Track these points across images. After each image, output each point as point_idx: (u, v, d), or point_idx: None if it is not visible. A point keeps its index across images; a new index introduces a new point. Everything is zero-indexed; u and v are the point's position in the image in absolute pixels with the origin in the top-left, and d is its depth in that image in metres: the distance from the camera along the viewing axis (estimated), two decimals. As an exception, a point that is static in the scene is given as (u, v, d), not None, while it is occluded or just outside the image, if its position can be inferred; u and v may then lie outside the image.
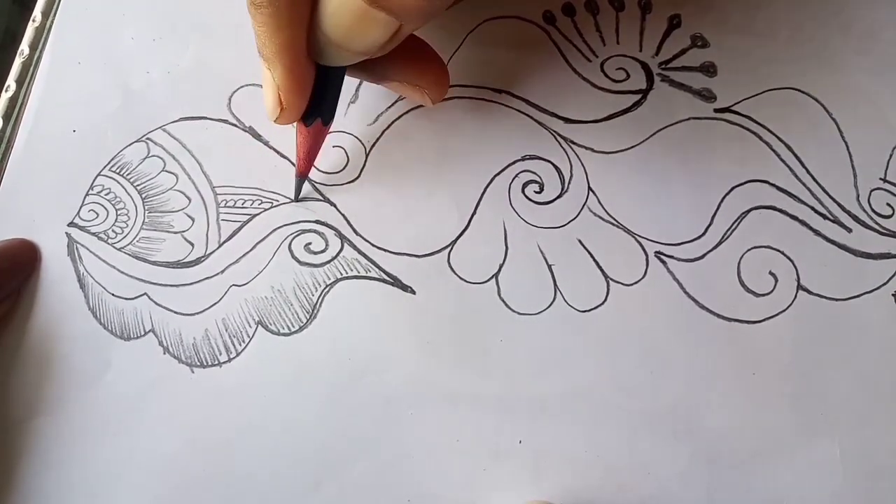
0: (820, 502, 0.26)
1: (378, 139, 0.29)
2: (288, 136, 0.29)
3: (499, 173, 0.29)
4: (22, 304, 0.27)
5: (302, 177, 0.28)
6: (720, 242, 0.28)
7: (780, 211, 0.28)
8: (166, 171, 0.29)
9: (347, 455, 0.26)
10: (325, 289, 0.27)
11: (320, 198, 0.28)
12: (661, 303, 0.27)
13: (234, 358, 0.27)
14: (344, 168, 0.29)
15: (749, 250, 0.28)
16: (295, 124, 0.26)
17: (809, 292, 0.27)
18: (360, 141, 0.29)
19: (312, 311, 0.27)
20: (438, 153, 0.29)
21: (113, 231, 0.28)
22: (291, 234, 0.28)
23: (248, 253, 0.28)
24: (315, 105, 0.25)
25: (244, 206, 0.28)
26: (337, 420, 0.26)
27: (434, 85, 0.27)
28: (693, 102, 0.29)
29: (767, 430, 0.26)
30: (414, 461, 0.26)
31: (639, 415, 0.26)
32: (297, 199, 0.28)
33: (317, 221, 0.28)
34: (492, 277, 0.28)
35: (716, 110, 0.29)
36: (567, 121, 0.29)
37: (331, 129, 0.27)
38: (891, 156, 0.29)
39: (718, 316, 0.27)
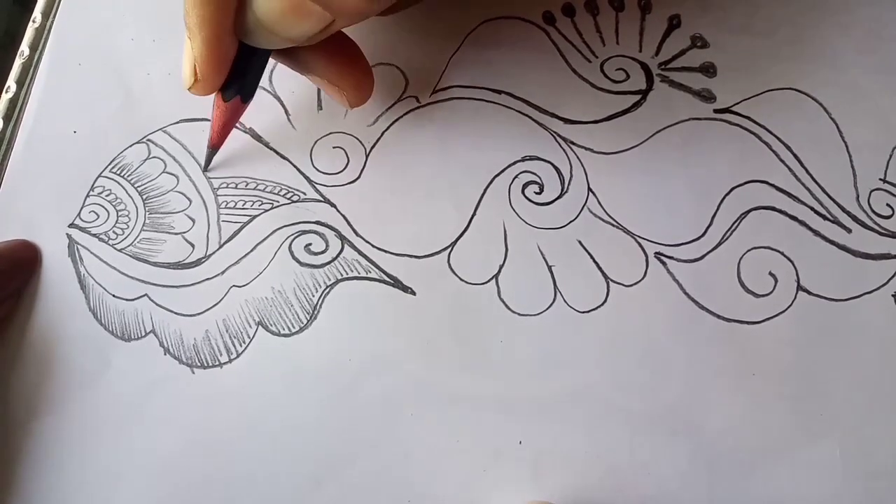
0: (820, 502, 0.26)
1: (378, 140, 0.29)
2: (289, 138, 0.29)
3: (499, 174, 0.29)
4: (22, 304, 0.28)
5: (213, 149, 0.28)
6: (720, 243, 0.28)
7: (780, 211, 0.28)
8: (167, 172, 0.29)
9: (347, 455, 0.26)
10: (325, 289, 0.28)
11: (320, 198, 0.29)
12: (661, 303, 0.27)
13: (234, 359, 0.27)
14: (344, 168, 0.29)
15: (749, 251, 0.28)
16: (213, 97, 0.26)
17: (809, 293, 0.27)
18: (360, 141, 0.29)
19: (313, 311, 0.27)
20: (438, 153, 0.29)
21: (114, 232, 0.28)
22: (292, 234, 0.28)
23: (248, 254, 0.28)
24: (235, 81, 0.25)
25: (244, 207, 0.28)
26: (337, 420, 0.26)
27: (354, 88, 0.27)
28: (693, 103, 0.29)
29: (767, 430, 0.26)
30: (414, 461, 0.26)
31: (639, 415, 0.26)
32: (205, 170, 0.29)
33: (317, 222, 0.28)
34: (492, 278, 0.28)
35: (716, 111, 0.29)
36: (567, 121, 0.29)
37: (248, 107, 0.27)
38: (891, 156, 0.29)
39: (718, 316, 0.27)
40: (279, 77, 0.30)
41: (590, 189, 0.29)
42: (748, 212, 0.28)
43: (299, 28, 0.22)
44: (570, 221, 0.28)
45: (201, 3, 0.22)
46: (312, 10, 0.21)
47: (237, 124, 0.29)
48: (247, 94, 0.26)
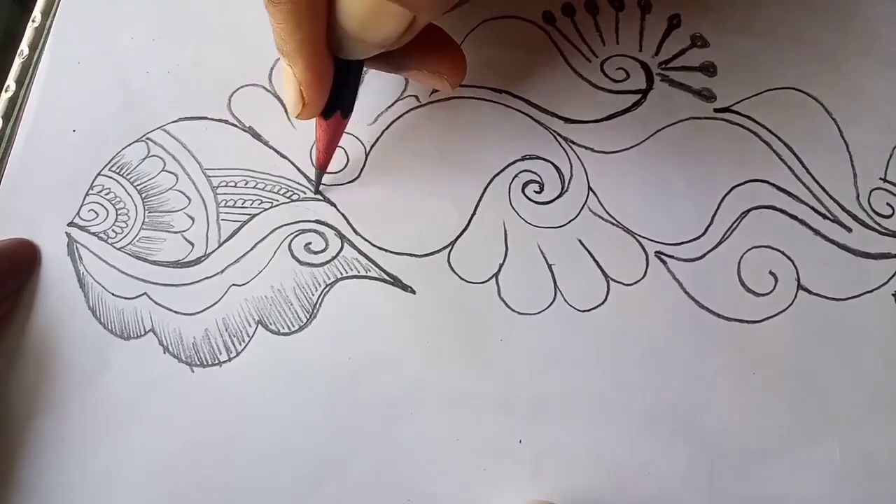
0: (820, 502, 0.26)
1: (378, 139, 0.29)
2: (288, 137, 0.29)
3: (499, 173, 0.29)
4: (22, 303, 0.27)
5: (322, 169, 0.28)
6: (720, 242, 0.28)
7: (780, 211, 0.28)
8: (166, 170, 0.29)
9: (347, 455, 0.26)
10: (325, 288, 0.27)
11: (320, 197, 0.28)
12: (661, 303, 0.27)
13: (234, 357, 0.27)
14: (344, 168, 0.29)
15: (749, 250, 0.28)
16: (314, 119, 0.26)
17: (809, 292, 0.27)
18: (360, 141, 0.29)
19: (312, 310, 0.27)
20: (438, 153, 0.29)
21: (113, 231, 0.28)
22: (291, 233, 0.28)
23: (248, 253, 0.28)
24: (334, 98, 0.24)
25: (244, 205, 0.28)
26: (337, 420, 0.26)
27: (453, 70, 0.26)
28: (693, 102, 0.29)
29: (767, 430, 0.26)
30: (414, 461, 0.26)
31: (639, 415, 0.26)
32: (316, 191, 0.29)
33: (317, 221, 0.28)
34: (492, 277, 0.28)
35: (716, 110, 0.29)
36: (567, 120, 0.29)
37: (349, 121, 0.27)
38: (891, 156, 0.29)
39: (718, 316, 0.27)
40: (279, 76, 0.30)
41: (590, 188, 0.28)
42: (748, 211, 0.28)
43: (385, 30, 0.22)
44: (571, 220, 0.28)
45: (296, 28, 0.21)
46: (392, 9, 0.21)
47: (230, 113, 0.29)
48: (347, 109, 0.26)
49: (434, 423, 0.26)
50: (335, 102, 0.25)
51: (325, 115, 0.25)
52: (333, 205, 0.28)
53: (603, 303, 0.27)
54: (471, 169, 0.29)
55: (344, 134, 0.29)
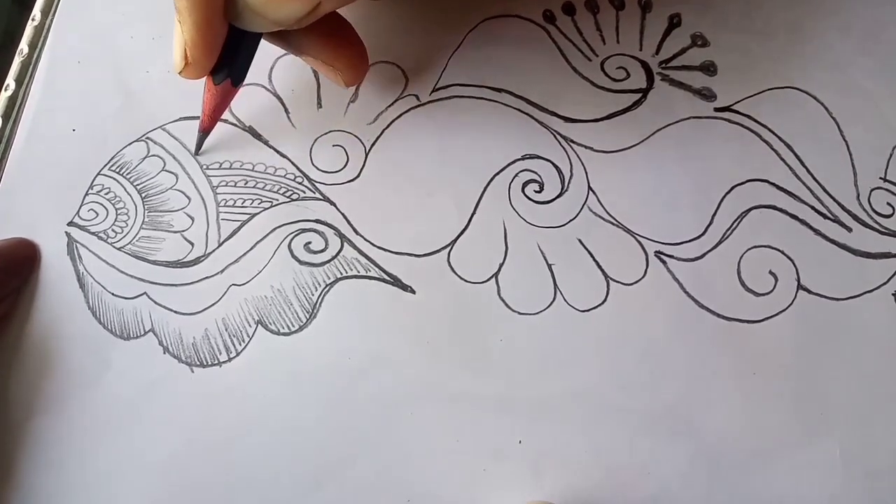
0: (820, 502, 0.26)
1: (378, 139, 0.29)
2: (288, 136, 0.29)
3: (499, 173, 0.29)
4: (21, 303, 0.27)
5: (204, 132, 0.28)
6: (720, 242, 0.28)
7: (781, 210, 0.28)
8: (166, 170, 0.29)
9: (347, 455, 0.26)
10: (324, 288, 0.27)
11: (320, 197, 0.28)
12: (661, 303, 0.27)
13: (234, 357, 0.27)
14: (344, 168, 0.29)
15: (749, 250, 0.28)
16: (203, 80, 0.26)
17: (809, 292, 0.27)
18: (360, 141, 0.29)
19: (312, 310, 0.27)
20: (438, 153, 0.29)
21: (113, 230, 0.28)
22: (291, 233, 0.28)
23: (247, 252, 0.28)
24: (226, 64, 0.25)
25: (244, 205, 0.28)
26: (337, 420, 0.26)
27: (349, 68, 0.27)
28: (693, 101, 0.29)
29: (767, 430, 0.26)
30: (414, 461, 0.26)
31: (639, 415, 0.26)
32: (196, 153, 0.29)
33: (317, 221, 0.28)
34: (492, 277, 0.28)
35: (716, 109, 0.29)
36: (567, 120, 0.29)
37: (240, 89, 0.27)
38: (891, 155, 0.29)
39: (718, 316, 0.27)
40: (279, 75, 0.30)
41: (590, 188, 0.28)
42: (748, 210, 0.28)
43: (286, 10, 0.22)
44: (570, 220, 0.28)
45: None
46: None
47: (230, 112, 0.29)
48: (237, 78, 0.26)
49: (434, 423, 0.26)
50: (226, 68, 0.25)
51: (215, 80, 0.25)
52: (333, 204, 0.28)
53: (603, 303, 0.27)
54: (471, 169, 0.29)
55: (344, 132, 0.29)
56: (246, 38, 0.25)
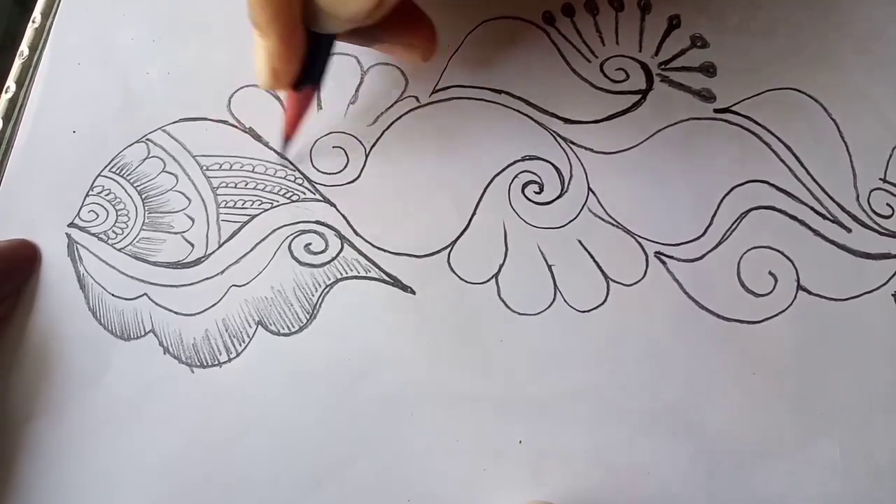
0: (820, 502, 0.26)
1: (378, 139, 0.29)
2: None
3: (499, 173, 0.29)
4: (22, 304, 0.28)
5: (288, 140, 0.28)
6: (720, 242, 0.28)
7: (780, 211, 0.28)
8: (166, 171, 0.29)
9: (347, 455, 0.26)
10: (325, 289, 0.27)
11: (320, 198, 0.28)
12: (661, 303, 0.27)
13: (234, 358, 0.27)
14: (344, 168, 0.29)
15: (749, 250, 0.28)
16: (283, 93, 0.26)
17: (809, 292, 0.27)
18: (360, 141, 0.29)
19: (312, 311, 0.27)
20: (438, 154, 0.29)
21: (113, 231, 0.28)
22: (291, 234, 0.28)
23: (248, 253, 0.28)
24: (306, 71, 0.25)
25: (244, 206, 0.28)
26: (337, 420, 0.26)
27: (426, 42, 0.27)
28: (693, 103, 0.29)
29: (767, 430, 0.26)
30: (414, 461, 0.26)
31: (639, 415, 0.26)
32: (282, 157, 0.29)
33: (317, 222, 0.28)
34: (492, 277, 0.28)
35: (715, 110, 0.29)
36: (567, 121, 0.29)
37: (319, 99, 0.27)
38: (891, 156, 0.29)
39: (718, 316, 0.27)
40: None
41: (590, 189, 0.28)
42: (748, 211, 0.28)
43: (355, 7, 0.22)
44: (570, 221, 0.28)
45: (269, 1, 0.22)
46: None
47: (230, 113, 0.30)
48: (317, 81, 0.26)
49: (434, 423, 0.26)
50: (306, 75, 0.25)
51: (296, 88, 0.25)
52: (333, 205, 0.28)
53: (603, 303, 0.27)
54: (471, 170, 0.29)
55: (344, 134, 0.29)
56: (322, 41, 0.25)
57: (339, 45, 0.26)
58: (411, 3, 0.27)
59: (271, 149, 0.29)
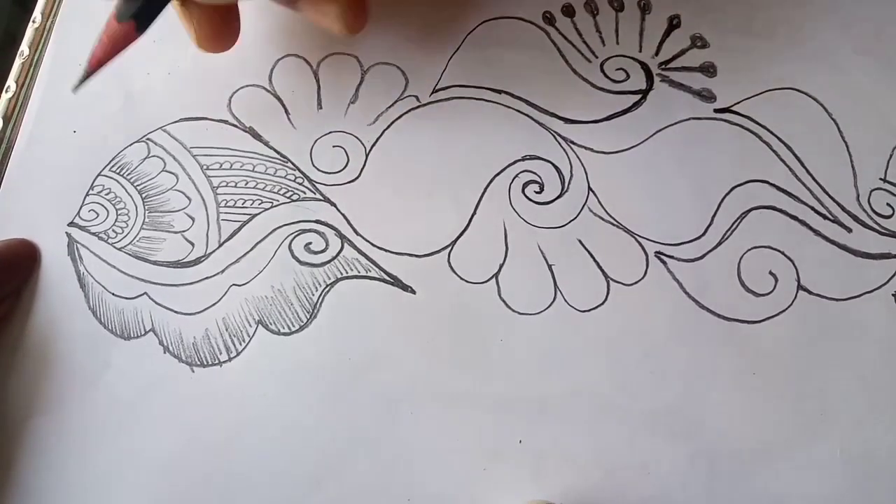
0: (820, 502, 0.26)
1: (378, 139, 0.29)
2: (288, 137, 0.29)
3: (499, 173, 0.29)
4: (22, 303, 0.28)
5: (90, 72, 0.25)
6: (720, 242, 0.28)
7: (780, 211, 0.28)
8: (166, 171, 0.29)
9: (347, 455, 0.26)
10: (325, 288, 0.27)
11: (320, 197, 0.29)
12: (661, 303, 0.27)
13: (234, 357, 0.27)
14: (344, 168, 0.29)
15: (749, 250, 0.28)
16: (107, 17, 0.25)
17: (809, 292, 0.27)
18: (360, 141, 0.29)
19: (312, 310, 0.27)
20: (439, 154, 0.29)
21: (113, 231, 0.28)
22: (291, 233, 0.28)
23: (248, 253, 0.28)
24: (134, 6, 0.24)
25: (244, 205, 0.28)
26: (337, 420, 0.26)
27: (348, 9, 0.25)
28: (693, 102, 0.29)
29: (767, 430, 0.26)
30: (414, 461, 0.26)
31: (639, 415, 0.26)
32: (75, 90, 0.26)
33: (317, 221, 0.28)
34: (492, 277, 0.28)
35: (716, 110, 0.29)
36: (567, 121, 0.29)
37: (140, 37, 0.25)
38: (891, 156, 0.29)
39: (718, 316, 0.27)
40: (279, 76, 0.30)
41: (590, 188, 0.29)
42: (748, 211, 0.28)
43: None
44: (571, 221, 0.28)
45: None
46: None
47: (230, 112, 0.29)
48: (142, 23, 0.24)
49: (434, 423, 0.26)
50: (132, 5, 0.24)
51: (119, 16, 0.24)
52: (333, 205, 0.28)
53: (603, 303, 0.27)
54: (471, 169, 0.29)
55: (344, 133, 0.29)
56: None
57: (297, 22, 0.24)
58: None
59: (272, 148, 0.29)
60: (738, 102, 0.29)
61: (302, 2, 0.25)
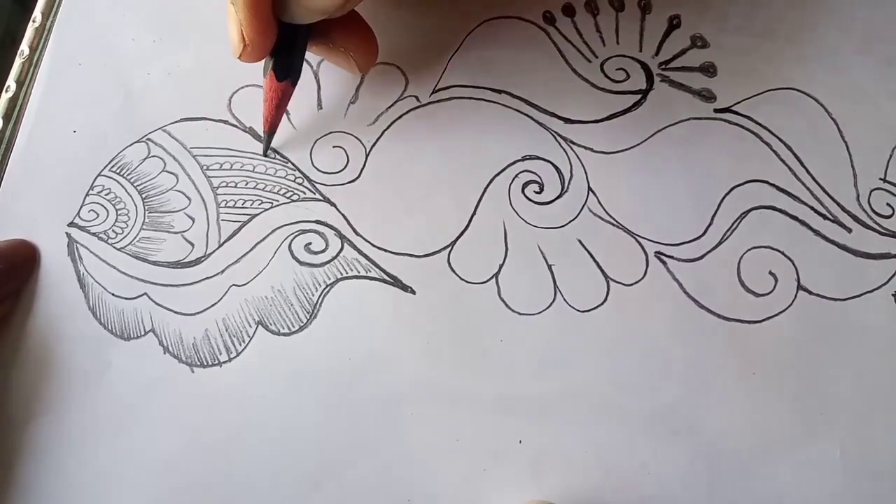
0: (820, 502, 0.26)
1: (378, 139, 0.29)
2: (288, 137, 0.29)
3: (499, 173, 0.29)
4: (22, 304, 0.27)
5: (271, 132, 0.28)
6: (720, 242, 0.28)
7: (780, 211, 0.28)
8: (167, 171, 0.29)
9: (347, 455, 0.26)
10: (325, 289, 0.27)
11: (320, 197, 0.28)
12: (661, 303, 0.27)
13: (234, 358, 0.27)
14: (344, 168, 0.29)
15: (749, 250, 0.28)
16: (265, 80, 0.27)
17: (809, 292, 0.27)
18: (360, 141, 0.29)
19: (312, 311, 0.27)
20: (438, 153, 0.29)
21: (113, 231, 0.28)
22: (291, 234, 0.28)
23: (248, 253, 0.28)
24: (283, 60, 0.26)
25: (244, 206, 0.28)
26: (337, 420, 0.26)
27: (365, 54, 0.28)
28: (693, 102, 0.29)
29: (767, 430, 0.26)
30: (414, 461, 0.26)
31: (639, 415, 0.26)
32: (265, 154, 0.29)
33: (317, 221, 0.28)
34: (492, 277, 0.28)
35: (716, 110, 0.29)
36: (567, 121, 0.29)
37: (295, 89, 0.28)
38: (891, 156, 0.29)
39: (718, 316, 0.27)
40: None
41: (590, 188, 0.29)
42: (748, 211, 0.28)
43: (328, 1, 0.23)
44: (570, 221, 0.28)
45: None
46: None
47: (230, 113, 0.30)
48: (295, 78, 0.27)
49: (434, 423, 0.26)
50: (283, 64, 0.26)
51: (278, 77, 0.26)
52: (333, 205, 0.28)
53: (603, 303, 0.27)
54: (471, 169, 0.29)
55: (344, 134, 0.29)
56: (298, 35, 0.26)
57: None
58: (357, 14, 0.28)
59: (272, 148, 0.29)
60: (738, 102, 0.29)
61: (324, 44, 0.27)
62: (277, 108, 0.28)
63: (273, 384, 0.27)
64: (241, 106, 0.30)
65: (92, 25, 0.31)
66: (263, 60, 0.26)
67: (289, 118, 0.29)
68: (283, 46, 0.26)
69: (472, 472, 0.26)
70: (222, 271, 0.28)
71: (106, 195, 0.29)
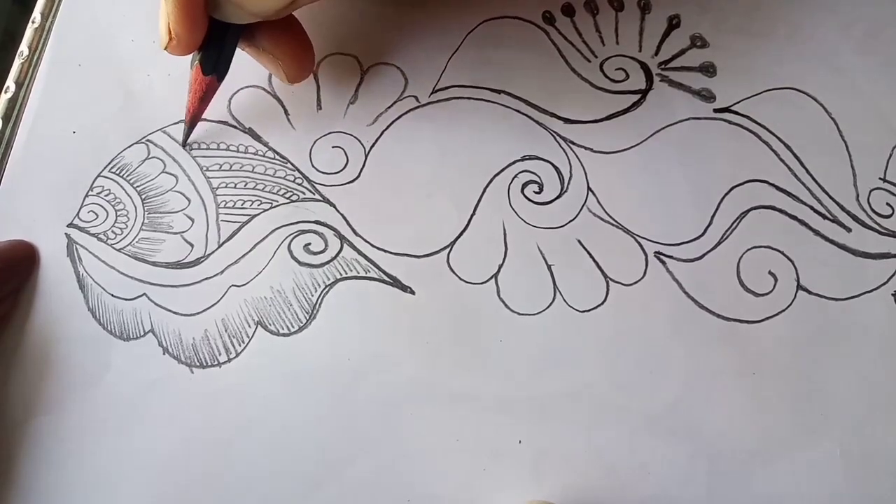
0: (820, 502, 0.26)
1: (378, 139, 0.29)
2: (288, 138, 0.29)
3: (498, 173, 0.29)
4: (21, 304, 0.27)
5: (191, 125, 0.29)
6: (720, 242, 0.28)
7: (780, 211, 0.28)
8: (166, 172, 0.29)
9: (347, 455, 0.26)
10: (324, 289, 0.27)
11: (319, 198, 0.28)
12: (661, 303, 0.27)
13: (233, 358, 0.27)
14: (344, 168, 0.29)
15: (748, 250, 0.28)
16: (192, 72, 0.27)
17: (809, 292, 0.27)
18: (360, 141, 0.29)
19: (312, 311, 0.27)
20: (438, 154, 0.29)
21: (112, 232, 0.28)
22: (291, 234, 0.28)
23: (247, 253, 0.28)
24: (213, 56, 0.26)
25: (243, 206, 0.28)
26: (337, 420, 0.26)
27: (295, 64, 0.27)
28: (692, 102, 0.29)
29: (767, 430, 0.26)
30: (414, 461, 0.26)
31: (639, 415, 0.26)
32: (184, 145, 0.29)
33: (316, 222, 0.28)
34: (491, 277, 0.28)
35: (715, 110, 0.29)
36: (566, 121, 0.29)
37: (221, 86, 0.28)
38: (891, 156, 0.29)
39: (718, 316, 0.27)
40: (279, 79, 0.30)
41: (589, 188, 0.28)
42: (748, 211, 0.28)
43: (268, 3, 0.23)
44: (570, 221, 0.28)
45: None
46: None
47: (230, 114, 0.30)
48: (221, 73, 0.27)
49: (434, 423, 0.26)
50: (212, 59, 0.26)
51: (205, 70, 0.26)
52: (333, 205, 0.28)
53: (602, 303, 0.27)
54: (470, 169, 0.29)
55: (343, 134, 0.29)
56: (229, 32, 0.26)
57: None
58: (295, 20, 0.27)
59: (271, 149, 0.29)
60: (738, 102, 0.29)
61: (256, 49, 0.27)
62: (201, 101, 0.28)
63: (272, 385, 0.27)
64: (240, 106, 0.30)
65: (92, 26, 0.31)
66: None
67: (288, 119, 0.29)
68: (212, 42, 0.25)
69: (472, 472, 0.26)
70: (222, 272, 0.28)
71: (105, 196, 0.29)
